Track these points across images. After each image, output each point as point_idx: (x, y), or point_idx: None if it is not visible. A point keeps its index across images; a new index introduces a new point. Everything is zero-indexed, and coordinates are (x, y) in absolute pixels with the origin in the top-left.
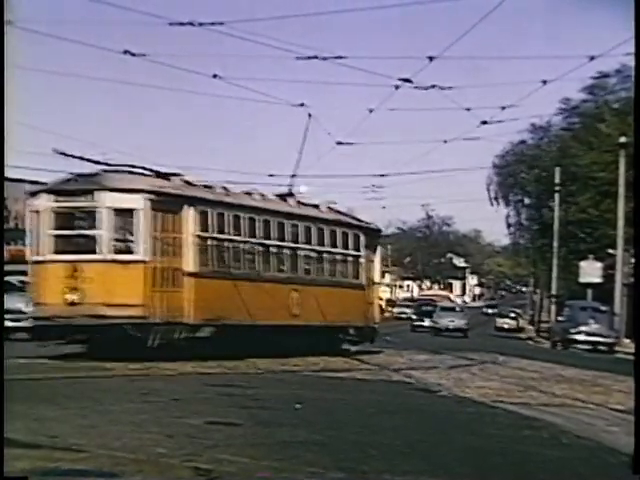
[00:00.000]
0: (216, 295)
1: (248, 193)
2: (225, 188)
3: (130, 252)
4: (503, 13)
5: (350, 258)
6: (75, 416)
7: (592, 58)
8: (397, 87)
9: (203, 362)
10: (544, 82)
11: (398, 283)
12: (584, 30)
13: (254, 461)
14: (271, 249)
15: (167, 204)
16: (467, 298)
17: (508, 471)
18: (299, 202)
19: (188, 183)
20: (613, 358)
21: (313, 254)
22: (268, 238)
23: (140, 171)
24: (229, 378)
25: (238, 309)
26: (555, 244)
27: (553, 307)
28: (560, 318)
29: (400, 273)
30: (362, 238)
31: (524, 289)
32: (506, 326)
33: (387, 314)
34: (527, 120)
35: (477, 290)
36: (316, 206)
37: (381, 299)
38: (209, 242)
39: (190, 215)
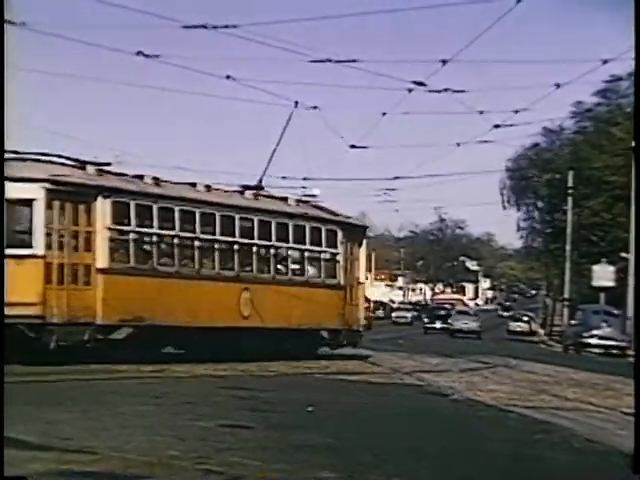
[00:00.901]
0: (135, 294)
1: (192, 184)
2: (156, 179)
3: (28, 246)
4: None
5: (324, 255)
6: (87, 418)
7: (605, 62)
8: (410, 90)
9: (215, 365)
10: (557, 85)
11: (411, 286)
12: (596, 33)
13: (265, 464)
14: (215, 245)
15: (75, 195)
16: (480, 301)
17: (520, 475)
18: (257, 195)
19: (107, 173)
20: (625, 362)
21: (273, 251)
22: (211, 233)
23: (52, 159)
24: (241, 381)
25: (165, 309)
26: (568, 247)
27: (565, 311)
28: (572, 322)
29: (413, 276)
30: (340, 234)
31: (536, 292)
32: (519, 329)
33: (379, 317)
34: (540, 124)
35: (489, 293)
36: (284, 199)
37: (368, 300)
38: (129, 236)
39: (103, 207)
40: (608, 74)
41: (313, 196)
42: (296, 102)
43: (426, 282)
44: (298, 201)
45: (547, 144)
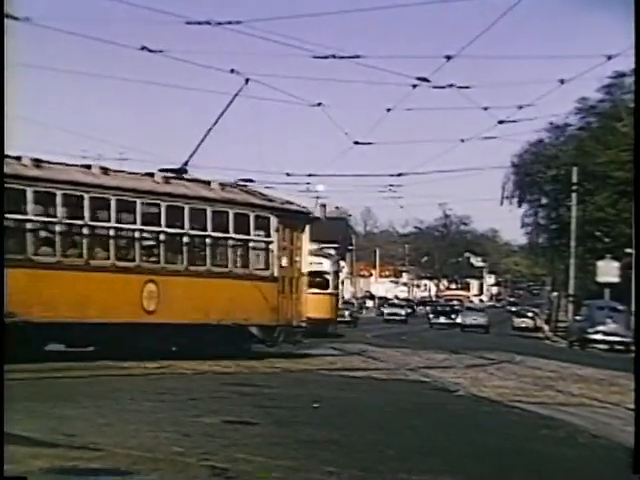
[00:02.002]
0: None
1: (87, 167)
2: (38, 160)
3: None
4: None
5: (253, 244)
6: (92, 415)
7: (609, 57)
8: (414, 86)
9: (219, 361)
10: (561, 81)
11: (415, 282)
12: (601, 29)
13: (270, 460)
14: (111, 233)
15: None
16: (484, 297)
17: (525, 470)
18: (166, 178)
19: None
20: (630, 357)
21: (187, 239)
22: (105, 220)
23: None
24: (245, 377)
25: (43, 304)
26: (572, 243)
27: (570, 306)
28: (577, 317)
29: (417, 272)
30: (274, 221)
31: (541, 288)
32: (523, 325)
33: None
34: (544, 119)
35: (494, 289)
36: (206, 183)
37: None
38: None
39: None
40: (612, 70)
41: (250, 181)
42: (247, 79)
43: (431, 278)
44: (223, 185)
45: (552, 140)
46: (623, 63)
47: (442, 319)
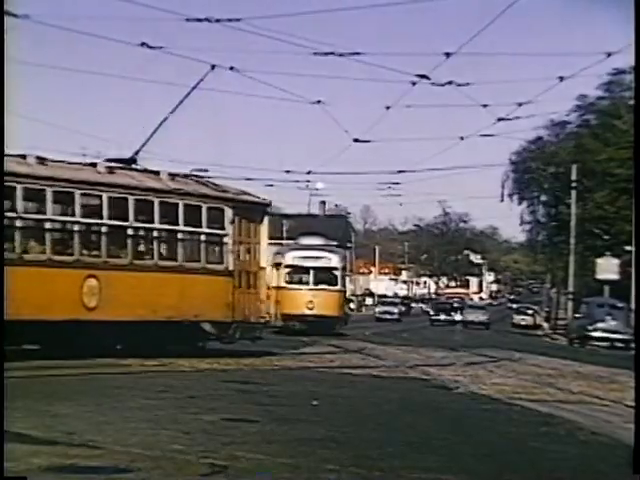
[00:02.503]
0: None
1: (22, 156)
2: None
3: None
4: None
5: (205, 237)
6: (91, 413)
7: (609, 55)
8: (414, 83)
9: (219, 358)
10: (561, 79)
11: (415, 280)
12: (600, 26)
13: (270, 457)
14: (46, 225)
15: None
16: (484, 295)
17: (525, 468)
18: (110, 168)
19: None
20: (630, 355)
21: (131, 232)
22: (40, 212)
23: None
24: (245, 374)
25: None
26: (572, 241)
27: (570, 304)
28: (577, 315)
29: (417, 270)
30: (228, 212)
31: (541, 286)
32: (523, 323)
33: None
34: (544, 117)
35: (494, 287)
36: (155, 173)
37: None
38: None
39: None
40: (612, 67)
41: (204, 170)
42: (213, 66)
43: (430, 276)
44: (174, 176)
45: (551, 137)
46: (622, 60)
47: (442, 316)
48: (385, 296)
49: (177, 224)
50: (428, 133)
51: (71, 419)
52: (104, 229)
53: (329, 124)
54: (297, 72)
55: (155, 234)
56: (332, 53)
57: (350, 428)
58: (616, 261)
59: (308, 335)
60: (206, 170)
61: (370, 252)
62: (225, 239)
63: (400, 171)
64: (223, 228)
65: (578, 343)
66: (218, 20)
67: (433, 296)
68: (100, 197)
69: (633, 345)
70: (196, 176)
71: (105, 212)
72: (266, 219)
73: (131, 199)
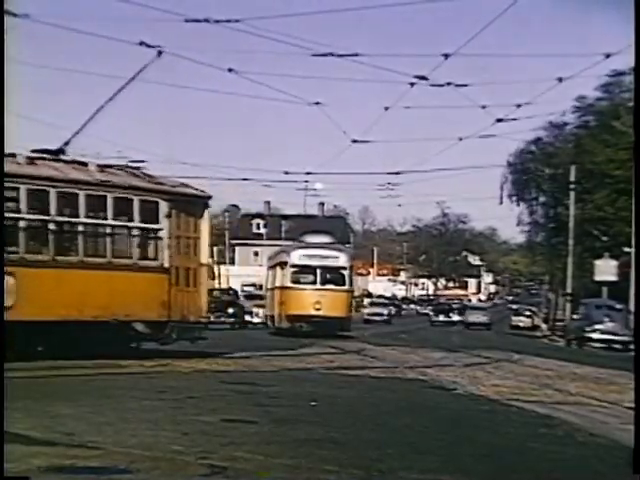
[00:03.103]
0: None
1: None
2: None
3: None
4: (518, 10)
5: (137, 232)
6: (90, 413)
7: (608, 56)
8: (412, 84)
9: (218, 359)
10: (560, 80)
11: (413, 281)
12: (599, 27)
13: (269, 458)
14: None
15: None
16: (482, 296)
17: (523, 469)
18: (30, 159)
19: None
20: (628, 356)
21: (53, 227)
22: None
23: None
24: (244, 375)
25: None
26: (570, 242)
27: (568, 305)
28: (575, 316)
29: (415, 271)
30: (164, 206)
31: (539, 287)
32: (521, 324)
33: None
34: (543, 118)
35: (492, 288)
36: (83, 165)
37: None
38: None
39: None
40: (611, 68)
41: (141, 161)
42: (159, 52)
43: (429, 277)
44: (103, 167)
45: (550, 138)
46: (621, 61)
47: (441, 317)
48: (373, 296)
49: (105, 218)
50: (427, 134)
51: (70, 420)
52: (22, 223)
53: (328, 125)
54: (296, 73)
55: (80, 228)
56: (331, 54)
57: (349, 429)
58: (615, 262)
59: (315, 337)
60: (143, 161)
61: (369, 253)
62: (160, 234)
63: (399, 172)
64: (158, 222)
65: (576, 344)
66: (217, 21)
67: (425, 297)
68: (17, 189)
69: (631, 347)
70: (131, 167)
71: (23, 205)
72: (207, 213)
73: (53, 191)
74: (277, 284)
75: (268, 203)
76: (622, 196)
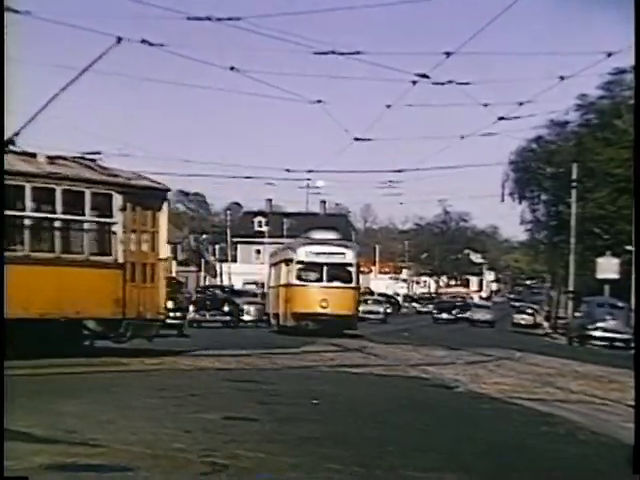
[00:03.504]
0: None
1: None
2: None
3: None
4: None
5: (88, 226)
6: (92, 411)
7: (609, 54)
8: (414, 83)
9: (220, 357)
10: (561, 78)
11: (415, 279)
12: (601, 26)
13: (271, 456)
14: None
15: None
16: (484, 294)
17: (524, 467)
18: None
19: None
20: (630, 354)
21: None
22: None
23: None
24: (245, 373)
25: None
26: (572, 240)
27: (570, 303)
28: (577, 314)
29: (417, 269)
30: (117, 199)
31: (541, 285)
32: (523, 322)
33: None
34: (544, 116)
35: (494, 286)
36: (31, 156)
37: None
38: None
39: None
40: (612, 66)
41: (97, 153)
42: (119, 39)
43: (430, 275)
44: (52, 158)
45: (551, 136)
46: (623, 60)
47: (444, 315)
48: (375, 294)
49: (54, 212)
50: (429, 132)
51: (72, 417)
52: None
53: (330, 123)
54: (298, 71)
55: (27, 222)
56: (332, 52)
57: (350, 427)
58: (616, 260)
59: (321, 336)
60: (99, 153)
61: (370, 251)
62: (114, 228)
63: (400, 170)
64: (111, 216)
65: (578, 342)
66: (219, 19)
67: (427, 295)
68: None
69: (633, 345)
70: (84, 159)
71: None
72: (165, 206)
73: None
74: (282, 281)
75: (270, 201)
76: (623, 194)
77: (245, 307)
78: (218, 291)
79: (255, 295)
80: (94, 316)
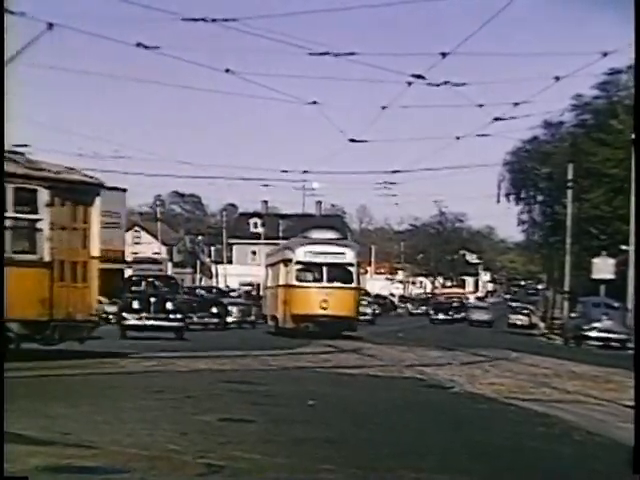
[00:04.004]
0: None
1: None
2: None
3: None
4: (515, 9)
5: (11, 223)
6: (87, 413)
7: (605, 54)
8: (410, 84)
9: (216, 359)
10: (557, 78)
11: (411, 279)
12: (596, 26)
13: (267, 458)
14: None
15: None
16: (480, 294)
17: (521, 468)
18: None
19: None
20: (626, 354)
21: None
22: None
23: None
24: (241, 375)
25: None
26: (568, 240)
27: (566, 303)
28: (573, 314)
29: (413, 269)
30: (43, 194)
31: (537, 285)
32: (519, 322)
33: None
34: (540, 117)
35: (490, 286)
36: None
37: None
38: None
39: None
40: (608, 67)
41: (23, 145)
42: (50, 25)
43: (426, 275)
44: None
45: (547, 137)
46: (619, 60)
47: (441, 315)
48: (371, 295)
49: None
50: (424, 133)
51: (67, 419)
52: None
53: (325, 124)
54: (292, 72)
55: None
56: (327, 53)
57: (346, 428)
58: (612, 261)
59: (321, 338)
60: (26, 145)
61: (366, 252)
62: (39, 225)
63: (396, 171)
64: (36, 212)
65: (574, 343)
66: (214, 20)
67: (423, 296)
68: None
69: (629, 345)
70: (9, 152)
71: None
72: (98, 201)
73: None
74: (280, 282)
75: (266, 202)
76: (619, 195)
77: (228, 308)
78: (204, 292)
79: (239, 296)
80: (18, 318)
